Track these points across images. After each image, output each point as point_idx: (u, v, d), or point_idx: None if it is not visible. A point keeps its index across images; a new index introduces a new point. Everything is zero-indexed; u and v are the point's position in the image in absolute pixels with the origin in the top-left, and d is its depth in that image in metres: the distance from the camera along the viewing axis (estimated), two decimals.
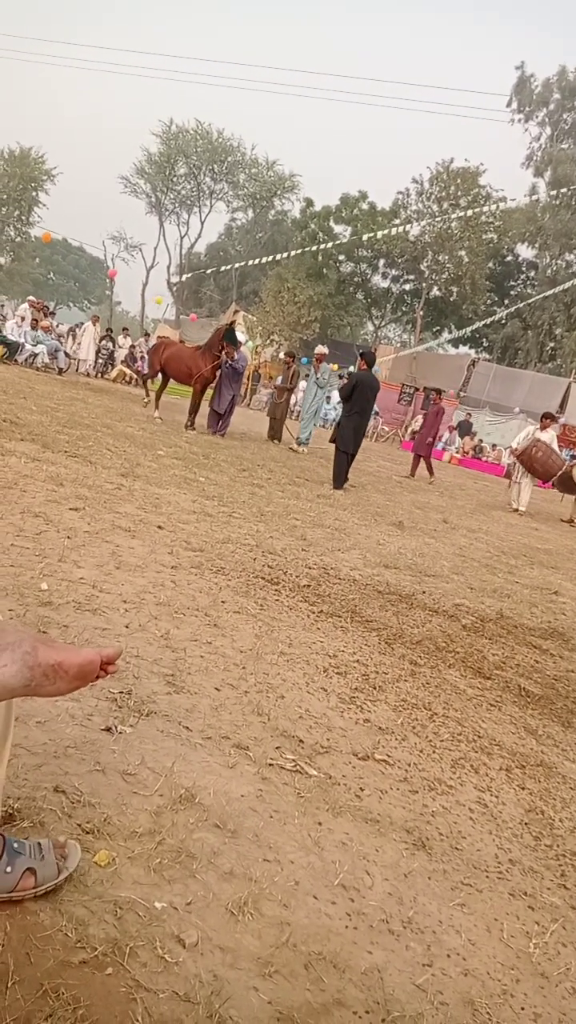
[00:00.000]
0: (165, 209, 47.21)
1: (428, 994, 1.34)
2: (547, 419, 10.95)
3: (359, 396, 8.40)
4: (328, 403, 25.96)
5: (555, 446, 10.93)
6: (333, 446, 8.62)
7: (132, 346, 19.34)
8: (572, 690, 3.34)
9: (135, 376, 17.28)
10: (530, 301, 30.08)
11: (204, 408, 11.02)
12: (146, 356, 11.59)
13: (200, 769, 1.84)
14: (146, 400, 10.96)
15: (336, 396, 27.06)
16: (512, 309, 32.43)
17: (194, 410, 10.34)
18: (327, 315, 36.58)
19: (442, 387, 16.04)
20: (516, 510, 10.89)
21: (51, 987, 1.13)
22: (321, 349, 12.36)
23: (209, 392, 11.08)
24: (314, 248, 31.71)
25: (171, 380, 11.08)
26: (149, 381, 11.50)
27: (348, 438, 8.41)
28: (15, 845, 1.27)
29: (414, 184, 35.81)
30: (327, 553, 4.75)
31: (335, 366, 31.73)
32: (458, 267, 34.53)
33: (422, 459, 12.78)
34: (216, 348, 10.29)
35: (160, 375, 10.96)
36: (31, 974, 1.14)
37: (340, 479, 8.32)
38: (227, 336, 10.27)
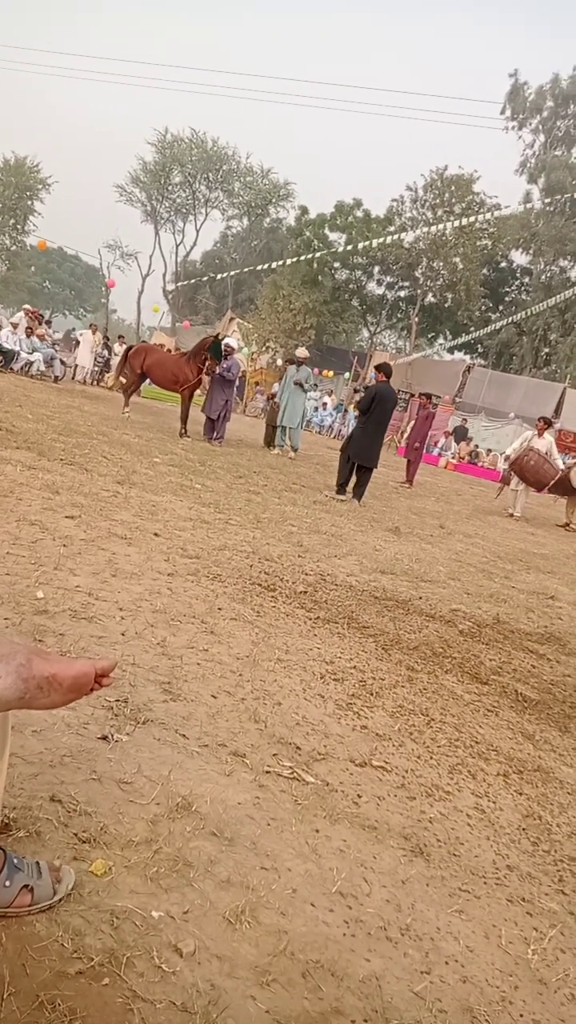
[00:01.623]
0: (160, 217, 47.35)
1: (427, 1002, 1.34)
2: (543, 422, 10.93)
3: (378, 408, 8.41)
4: (324, 409, 26.04)
5: (554, 452, 10.86)
6: (328, 451, 8.60)
7: None
8: (569, 695, 3.35)
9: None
10: (530, 312, 30.12)
11: (200, 416, 11.04)
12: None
13: (197, 777, 1.83)
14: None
15: (331, 402, 27.12)
16: (509, 321, 32.51)
17: (186, 417, 10.34)
18: (322, 322, 36.66)
19: (438, 393, 15.99)
20: (512, 515, 10.91)
21: (47, 998, 1.12)
22: (302, 351, 12.05)
23: (202, 399, 11.06)
24: (309, 256, 31.82)
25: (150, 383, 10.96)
26: (127, 390, 11.10)
27: (356, 447, 8.40)
28: (15, 861, 1.29)
29: (408, 191, 36.00)
30: (324, 559, 4.75)
31: (329, 372, 31.86)
32: (453, 273, 34.64)
33: (412, 464, 12.76)
34: (200, 358, 10.30)
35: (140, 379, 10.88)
36: (27, 985, 1.14)
37: (342, 484, 8.34)
38: (212, 349, 10.25)
